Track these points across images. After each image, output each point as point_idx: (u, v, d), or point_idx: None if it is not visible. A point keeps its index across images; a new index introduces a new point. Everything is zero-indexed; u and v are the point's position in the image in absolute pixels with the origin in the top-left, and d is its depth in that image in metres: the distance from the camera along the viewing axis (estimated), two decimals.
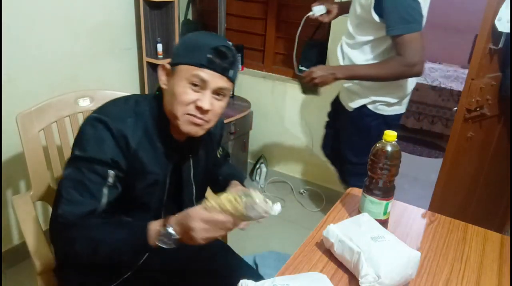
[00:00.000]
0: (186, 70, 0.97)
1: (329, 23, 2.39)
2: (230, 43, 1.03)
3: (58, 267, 1.14)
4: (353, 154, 1.89)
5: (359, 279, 0.88)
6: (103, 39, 2.10)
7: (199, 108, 0.98)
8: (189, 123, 1.00)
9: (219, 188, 1.29)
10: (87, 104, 1.46)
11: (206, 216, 0.84)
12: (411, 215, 1.24)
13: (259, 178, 2.87)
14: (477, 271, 1.00)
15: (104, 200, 0.97)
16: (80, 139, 0.99)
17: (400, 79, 1.65)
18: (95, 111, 1.02)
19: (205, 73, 0.97)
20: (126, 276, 1.10)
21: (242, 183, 1.30)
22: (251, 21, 2.79)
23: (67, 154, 1.45)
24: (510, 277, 0.99)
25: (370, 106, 1.76)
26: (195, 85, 0.98)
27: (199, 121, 1.00)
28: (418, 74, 1.57)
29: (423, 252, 1.05)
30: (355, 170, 1.86)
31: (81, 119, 1.46)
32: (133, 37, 2.27)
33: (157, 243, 0.89)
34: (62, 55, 1.91)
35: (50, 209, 1.39)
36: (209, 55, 0.96)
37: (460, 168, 2.00)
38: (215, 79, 0.98)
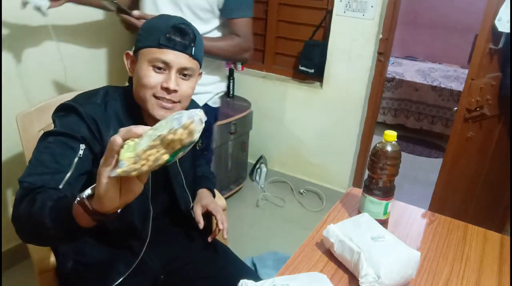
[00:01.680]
0: (147, 53, 0.97)
1: (329, 23, 2.39)
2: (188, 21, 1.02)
3: (58, 267, 1.14)
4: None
5: (359, 279, 0.88)
6: (103, 39, 2.09)
7: (165, 89, 0.98)
8: (159, 108, 1.00)
9: None
10: None
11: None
12: (411, 215, 1.24)
13: (259, 178, 2.87)
14: (477, 271, 1.00)
15: (73, 170, 0.92)
16: (54, 121, 0.99)
17: (229, 61, 1.62)
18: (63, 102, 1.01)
19: (166, 54, 0.96)
20: (125, 276, 1.10)
21: (213, 188, 1.31)
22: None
23: None
24: (510, 277, 0.99)
25: (210, 103, 1.68)
26: (159, 68, 0.98)
27: (168, 104, 1.00)
28: (247, 60, 1.61)
29: (423, 252, 1.05)
30: None
31: None
32: (133, 37, 2.27)
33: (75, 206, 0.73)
34: (62, 55, 1.91)
35: None
36: (167, 35, 0.96)
37: (460, 168, 2.00)
38: (177, 59, 0.97)
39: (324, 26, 2.49)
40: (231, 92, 2.74)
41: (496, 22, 1.67)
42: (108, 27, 2.10)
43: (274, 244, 2.24)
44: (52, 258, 1.10)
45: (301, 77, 2.66)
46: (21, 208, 0.86)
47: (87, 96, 1.04)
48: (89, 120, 0.97)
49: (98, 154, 0.98)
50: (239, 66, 2.85)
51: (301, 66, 2.55)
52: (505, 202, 2.22)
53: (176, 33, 0.97)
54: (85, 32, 1.99)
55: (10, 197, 1.84)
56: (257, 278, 1.23)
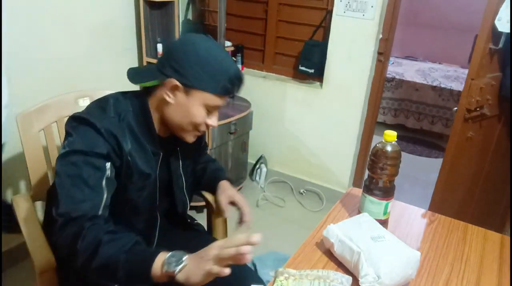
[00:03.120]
0: (206, 98, 0.99)
1: (329, 23, 2.39)
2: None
3: (58, 267, 1.14)
4: None
5: (359, 279, 0.88)
6: (103, 39, 2.10)
7: (208, 126, 1.05)
8: (194, 137, 1.07)
9: (197, 178, 1.33)
10: (87, 104, 1.45)
11: (224, 243, 0.81)
12: (411, 215, 1.24)
13: (259, 178, 2.87)
14: (477, 271, 1.00)
15: (105, 194, 0.94)
16: (69, 136, 0.97)
17: None
18: (75, 113, 1.00)
19: (223, 100, 1.02)
20: None
21: (229, 179, 1.32)
22: (251, 21, 2.79)
23: None
24: (510, 277, 0.99)
25: None
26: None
27: (202, 134, 1.09)
28: None
29: (423, 252, 1.05)
30: None
31: None
32: (133, 37, 2.27)
33: (164, 267, 0.82)
34: (62, 55, 1.91)
35: None
36: (229, 85, 0.99)
37: (460, 168, 2.00)
38: (225, 101, 1.04)
39: (324, 26, 2.49)
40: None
41: (496, 22, 1.67)
42: (108, 27, 2.10)
43: (274, 244, 2.24)
44: (52, 258, 1.10)
45: (301, 77, 2.66)
46: (80, 251, 0.87)
47: (100, 108, 1.02)
48: (108, 136, 0.96)
49: (118, 168, 0.99)
50: (239, 66, 2.85)
51: (301, 66, 2.55)
52: (505, 202, 2.22)
53: (239, 83, 1.01)
54: (86, 32, 1.99)
55: (10, 197, 1.83)
56: (257, 277, 1.24)
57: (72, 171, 0.92)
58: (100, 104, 1.03)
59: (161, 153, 1.09)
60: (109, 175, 0.95)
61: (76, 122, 0.98)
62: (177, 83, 0.97)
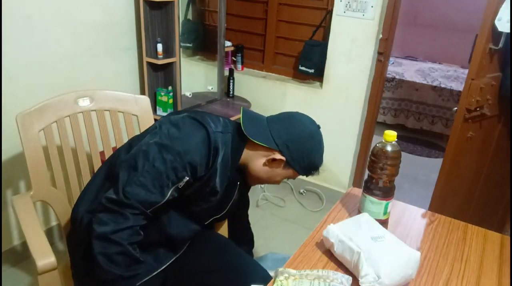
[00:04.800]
0: (293, 174, 1.16)
1: (329, 23, 2.39)
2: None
3: (72, 265, 1.20)
4: None
5: (359, 279, 0.88)
6: (103, 39, 2.09)
7: None
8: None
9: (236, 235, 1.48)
10: (87, 104, 1.46)
11: None
12: (411, 215, 1.24)
13: None
14: (477, 271, 1.00)
15: (166, 199, 1.02)
16: (177, 130, 1.05)
17: None
18: (190, 112, 1.11)
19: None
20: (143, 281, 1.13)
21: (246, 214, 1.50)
22: (251, 21, 2.79)
23: (67, 153, 1.45)
24: (510, 277, 0.99)
25: None
26: None
27: None
28: None
29: (423, 252, 1.05)
30: None
31: (81, 119, 1.46)
32: (133, 37, 2.27)
33: None
34: (62, 55, 1.91)
35: (50, 209, 1.39)
36: (313, 173, 1.17)
37: (460, 168, 2.00)
38: None
39: (324, 26, 2.49)
40: (231, 92, 2.74)
41: (496, 22, 1.66)
42: (108, 27, 2.10)
43: (274, 244, 2.24)
44: (53, 258, 1.10)
45: (301, 77, 2.66)
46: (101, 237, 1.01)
47: (217, 121, 1.12)
48: (213, 149, 1.05)
49: (198, 177, 1.06)
50: (239, 66, 2.86)
51: (301, 66, 2.55)
52: (505, 202, 2.22)
53: (319, 172, 1.18)
54: (85, 32, 1.99)
55: (10, 197, 1.83)
56: (264, 271, 1.24)
57: (158, 164, 1.00)
58: (215, 119, 1.14)
59: (231, 179, 1.16)
60: (181, 186, 1.04)
61: (195, 122, 1.07)
62: (283, 159, 1.12)
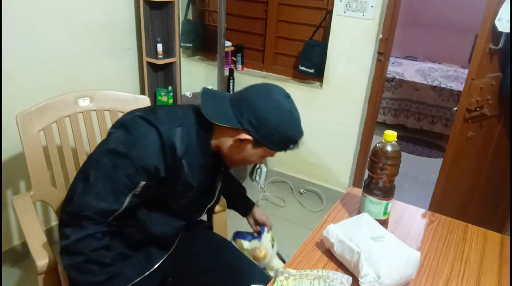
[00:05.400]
0: (269, 152, 1.08)
1: (329, 23, 2.39)
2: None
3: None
4: None
5: (359, 279, 0.88)
6: (103, 39, 2.09)
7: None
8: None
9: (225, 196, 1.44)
10: (87, 104, 1.46)
11: None
12: (411, 215, 1.24)
13: (259, 178, 2.87)
14: (477, 271, 1.00)
15: (124, 206, 1.00)
16: (127, 133, 1.00)
17: None
18: (142, 111, 1.04)
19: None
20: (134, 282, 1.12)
21: (246, 196, 1.48)
22: (251, 21, 2.79)
23: (67, 153, 1.45)
24: (510, 277, 0.99)
25: None
26: None
27: None
28: None
29: (423, 252, 1.05)
30: None
31: (81, 119, 1.46)
32: (133, 37, 2.27)
33: None
34: (62, 55, 1.91)
35: (50, 209, 1.39)
36: (291, 147, 1.07)
37: (460, 168, 2.00)
38: None
39: (324, 26, 2.49)
40: (231, 92, 2.74)
41: (496, 22, 1.66)
42: (108, 27, 2.10)
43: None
44: (52, 258, 1.10)
45: (301, 77, 2.66)
46: (68, 250, 1.01)
47: (168, 115, 1.05)
48: (167, 146, 0.99)
49: (162, 177, 1.01)
50: (239, 66, 2.86)
51: (301, 66, 2.55)
52: (505, 202, 2.21)
53: (299, 144, 1.08)
54: (85, 32, 1.99)
55: (10, 197, 1.83)
56: (259, 270, 1.24)
57: (110, 171, 0.97)
58: (169, 112, 1.07)
59: (209, 169, 1.12)
60: (137, 191, 1.00)
61: (143, 123, 1.01)
62: (251, 139, 1.02)
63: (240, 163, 1.13)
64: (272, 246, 1.41)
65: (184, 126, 1.03)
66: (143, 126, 1.00)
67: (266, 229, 1.44)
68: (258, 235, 1.42)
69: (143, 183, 0.99)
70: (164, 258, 1.18)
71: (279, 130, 1.02)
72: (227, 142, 1.06)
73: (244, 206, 1.48)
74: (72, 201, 1.00)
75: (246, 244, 1.39)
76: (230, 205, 1.49)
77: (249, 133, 1.02)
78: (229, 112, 1.03)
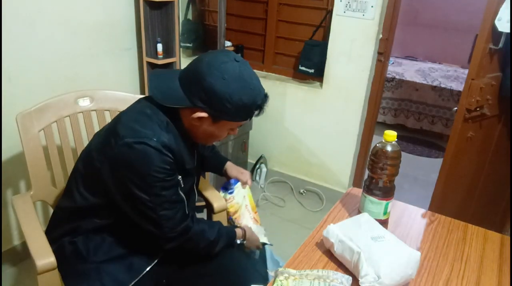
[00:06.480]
0: (231, 124, 1.05)
1: (329, 23, 2.39)
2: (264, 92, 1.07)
3: (59, 266, 1.15)
4: None
5: (359, 279, 0.88)
6: (103, 39, 2.09)
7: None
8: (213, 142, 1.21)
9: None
10: (87, 104, 1.46)
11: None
12: (411, 215, 1.24)
13: (259, 178, 2.87)
14: (477, 271, 1.00)
15: (185, 198, 1.08)
16: (140, 166, 0.98)
17: None
18: (128, 136, 0.97)
19: (246, 121, 1.07)
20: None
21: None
22: (251, 21, 2.79)
23: (67, 153, 1.45)
24: (510, 277, 0.99)
25: None
26: None
27: None
28: None
29: (423, 252, 1.05)
30: None
31: (81, 119, 1.46)
32: (133, 37, 2.27)
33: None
34: (62, 55, 1.91)
35: (50, 209, 1.39)
36: (255, 112, 1.04)
37: (460, 168, 2.00)
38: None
39: (324, 26, 2.49)
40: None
41: (496, 22, 1.66)
42: (108, 27, 2.10)
43: (274, 244, 2.24)
44: (52, 258, 1.10)
45: (301, 77, 2.66)
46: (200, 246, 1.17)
47: (144, 123, 1.02)
48: (164, 148, 1.00)
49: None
50: None
51: (301, 66, 2.55)
52: (505, 202, 2.22)
53: (264, 106, 1.05)
54: (85, 32, 1.99)
55: (10, 197, 1.83)
56: (257, 273, 1.24)
57: (161, 200, 1.02)
58: (141, 118, 1.02)
59: (195, 150, 1.17)
60: (181, 184, 1.08)
61: (137, 146, 0.96)
62: (206, 115, 0.99)
63: (210, 140, 1.13)
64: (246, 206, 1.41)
65: (163, 123, 1.02)
66: (139, 151, 0.97)
67: (239, 183, 1.42)
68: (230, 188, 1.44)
69: (179, 176, 1.06)
70: (157, 260, 1.18)
71: (232, 100, 0.96)
72: (190, 122, 1.04)
73: (218, 164, 1.45)
74: (161, 232, 1.06)
75: (222, 194, 1.43)
76: (206, 168, 1.47)
77: (203, 110, 0.98)
78: (179, 92, 0.99)
